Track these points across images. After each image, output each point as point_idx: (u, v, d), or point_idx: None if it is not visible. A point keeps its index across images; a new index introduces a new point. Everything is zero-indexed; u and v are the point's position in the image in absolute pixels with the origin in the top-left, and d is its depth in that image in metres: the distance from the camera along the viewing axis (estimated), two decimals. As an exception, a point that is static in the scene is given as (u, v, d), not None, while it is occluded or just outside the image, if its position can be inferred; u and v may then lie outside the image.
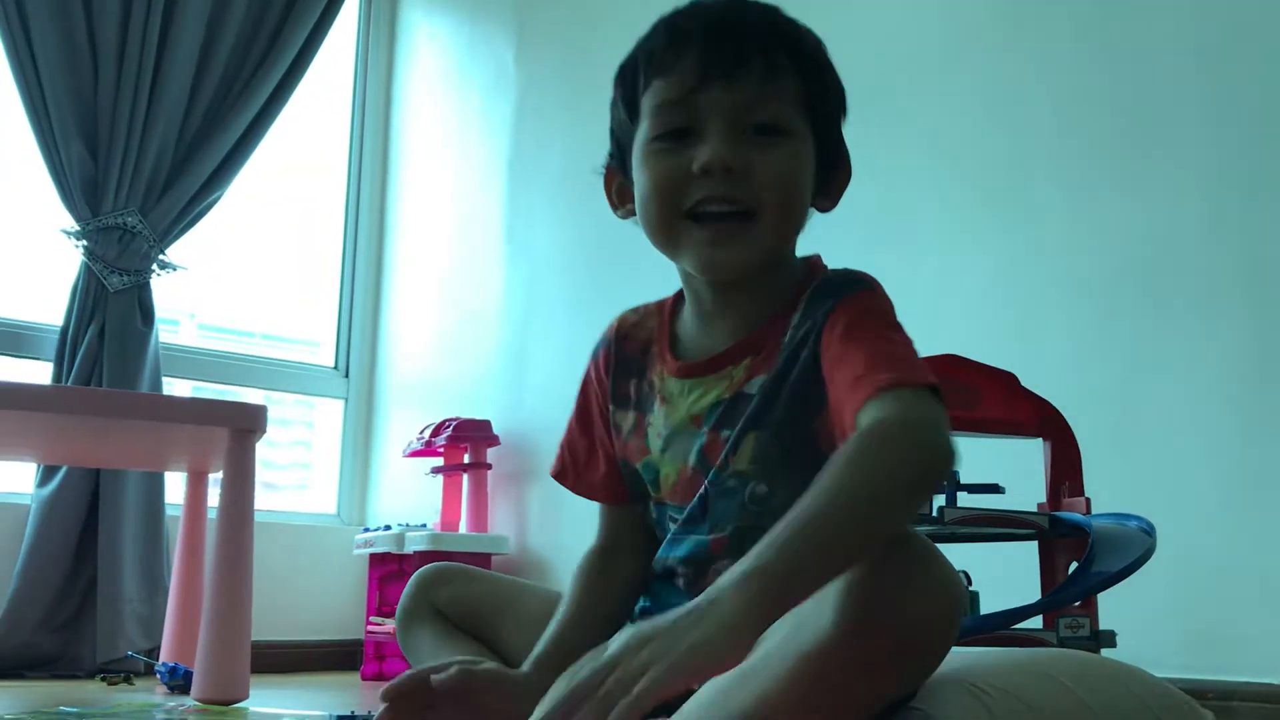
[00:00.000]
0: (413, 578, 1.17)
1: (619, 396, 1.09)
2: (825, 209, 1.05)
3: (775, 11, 1.01)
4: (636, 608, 1.06)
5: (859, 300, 0.96)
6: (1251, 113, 1.77)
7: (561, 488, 1.14)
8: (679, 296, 1.09)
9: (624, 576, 1.07)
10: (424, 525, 2.92)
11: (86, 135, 2.94)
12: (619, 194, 1.07)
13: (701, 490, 1.00)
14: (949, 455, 0.82)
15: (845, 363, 0.90)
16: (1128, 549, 1.35)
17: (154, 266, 3.00)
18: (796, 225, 1.00)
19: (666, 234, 0.99)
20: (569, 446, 1.13)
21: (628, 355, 1.09)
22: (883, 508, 0.77)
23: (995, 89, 2.09)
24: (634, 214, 1.03)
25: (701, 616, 0.70)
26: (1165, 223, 1.84)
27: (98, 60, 2.96)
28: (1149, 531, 1.37)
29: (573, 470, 1.13)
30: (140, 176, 2.98)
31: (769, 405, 0.97)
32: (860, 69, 2.23)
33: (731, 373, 1.00)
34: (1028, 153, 2.03)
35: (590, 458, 1.12)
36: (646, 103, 0.99)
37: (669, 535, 1.04)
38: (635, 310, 1.12)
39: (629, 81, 1.02)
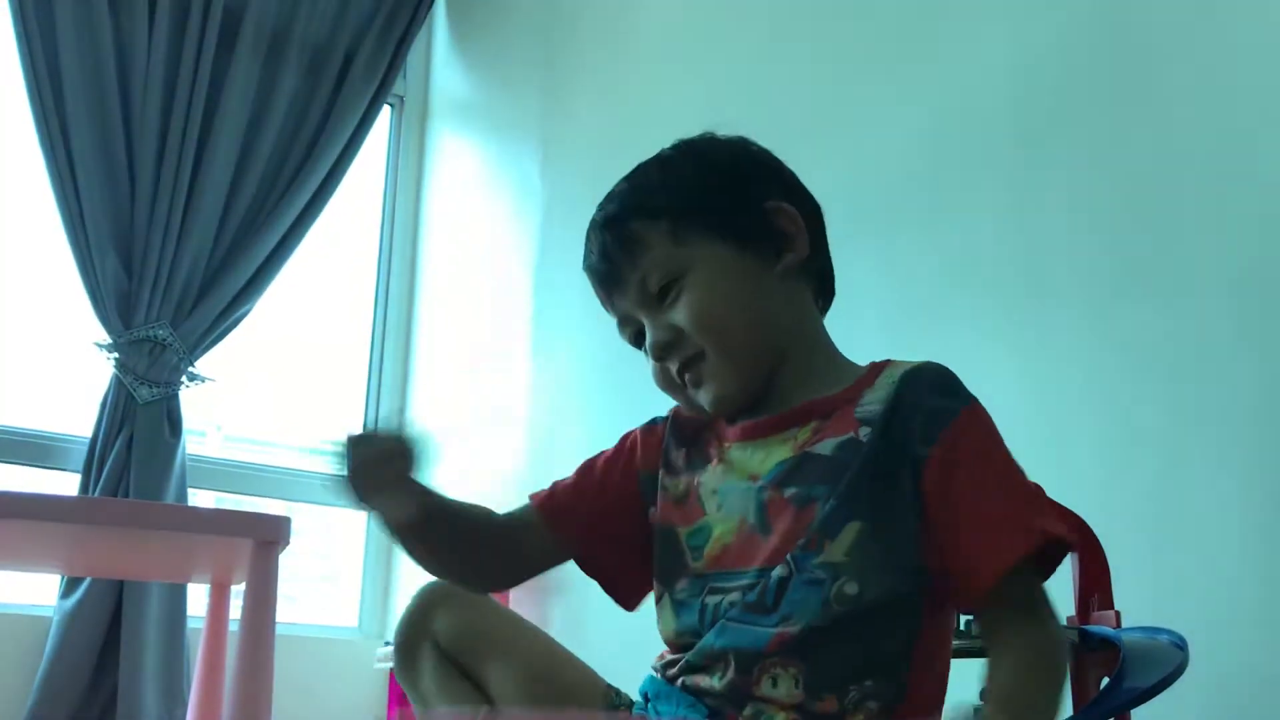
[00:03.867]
0: (414, 598, 1.11)
1: (671, 464, 1.08)
2: (798, 259, 1.04)
3: (617, 194, 1.11)
4: (640, 694, 1.01)
5: (979, 420, 0.97)
6: (1276, 221, 1.78)
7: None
8: None
9: (508, 536, 1.09)
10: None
11: (121, 250, 3.00)
12: None
13: (780, 574, 0.92)
14: None
15: (983, 500, 0.92)
16: (1160, 664, 1.32)
17: (183, 378, 3.04)
18: (750, 332, 1.02)
19: (682, 401, 1.07)
20: (562, 484, 1.15)
21: (683, 431, 1.10)
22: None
23: (1015, 202, 2.11)
24: None
25: None
26: (1189, 332, 1.84)
27: (135, 177, 3.04)
28: (1181, 646, 1.35)
29: (558, 502, 1.12)
30: (173, 290, 3.03)
31: (851, 478, 0.93)
32: (882, 182, 2.27)
33: (796, 434, 0.99)
34: (1048, 265, 2.04)
35: (578, 496, 1.12)
36: None
37: (720, 621, 0.95)
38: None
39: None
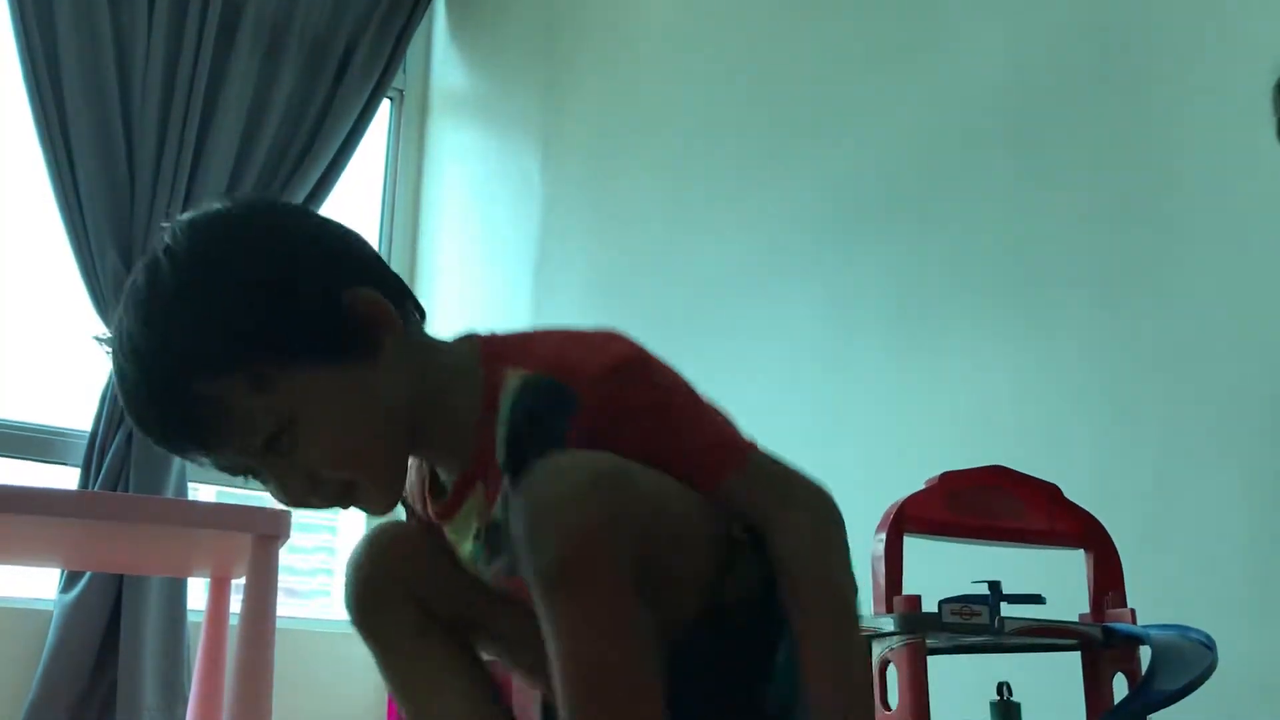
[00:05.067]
0: (370, 543, 1.02)
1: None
2: (388, 336, 0.92)
3: (158, 343, 0.86)
4: None
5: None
6: (1273, 217, 1.78)
7: None
8: None
9: None
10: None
11: (121, 244, 2.99)
12: None
13: None
14: None
15: None
16: (1188, 664, 1.32)
17: (183, 372, 3.03)
18: (378, 439, 0.92)
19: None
20: None
21: (422, 516, 1.05)
22: None
23: (1014, 198, 2.11)
24: None
25: None
26: (1187, 329, 1.84)
27: (134, 170, 3.04)
28: (1209, 645, 1.34)
29: None
30: (172, 284, 3.03)
31: None
32: (881, 179, 2.27)
33: (473, 504, 0.96)
34: (1046, 261, 2.04)
35: None
36: None
37: None
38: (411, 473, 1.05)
39: None
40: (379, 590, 1.01)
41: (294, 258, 0.90)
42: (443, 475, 1.00)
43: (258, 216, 0.94)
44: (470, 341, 0.99)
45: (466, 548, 0.98)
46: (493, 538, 0.95)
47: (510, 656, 1.04)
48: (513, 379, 0.91)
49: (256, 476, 0.92)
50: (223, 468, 0.92)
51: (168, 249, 0.89)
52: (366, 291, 0.91)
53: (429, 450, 0.99)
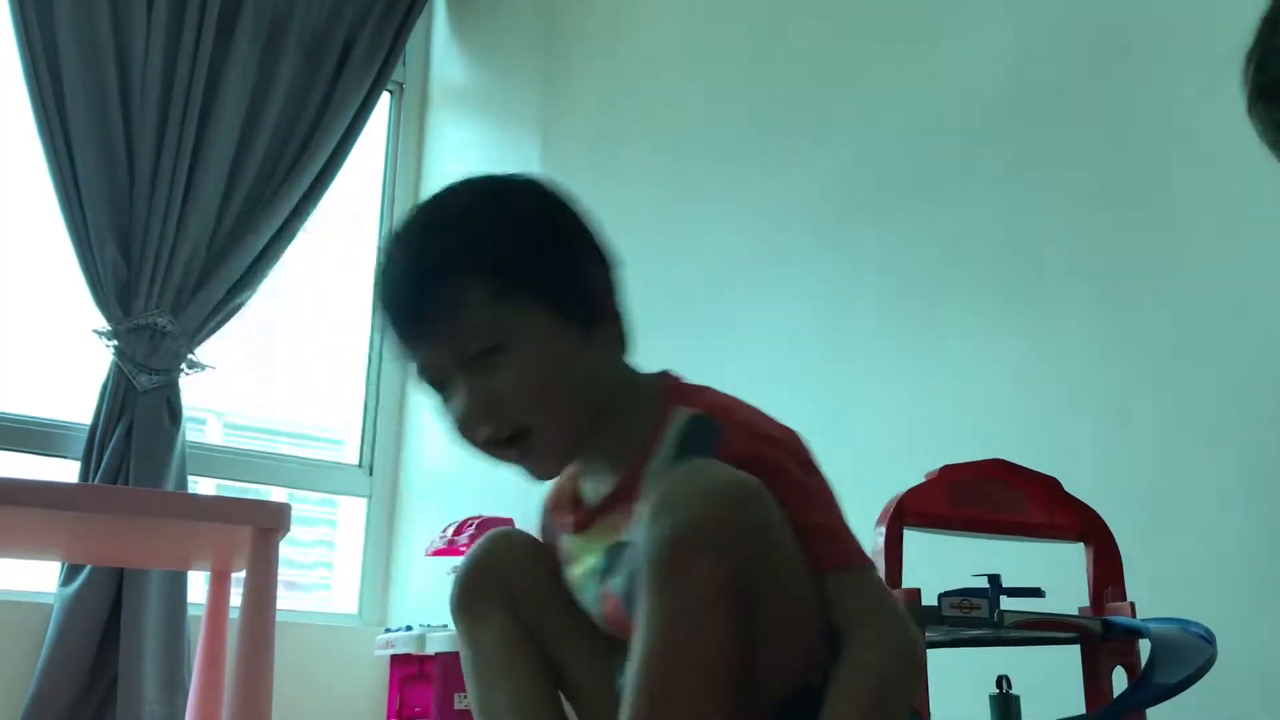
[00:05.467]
0: (487, 546, 1.06)
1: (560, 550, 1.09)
2: (611, 330, 1.02)
3: (429, 231, 1.00)
4: None
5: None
6: (1274, 209, 1.77)
7: None
8: None
9: None
10: (445, 626, 2.89)
11: (121, 238, 2.99)
12: None
13: None
14: None
15: None
16: (1188, 657, 1.32)
17: (183, 366, 3.03)
18: (577, 403, 0.99)
19: (488, 460, 1.01)
20: None
21: (551, 526, 1.10)
22: None
23: (1014, 188, 2.11)
24: None
25: None
26: (1189, 321, 1.84)
27: (134, 164, 3.03)
28: (1209, 639, 1.34)
29: None
30: (172, 278, 3.03)
31: None
32: (880, 169, 2.27)
33: (616, 520, 0.99)
34: (1047, 252, 2.04)
35: None
36: None
37: None
38: (558, 478, 1.10)
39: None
40: (482, 584, 1.05)
41: (567, 221, 1.03)
42: (588, 489, 1.04)
43: (540, 187, 1.07)
44: (660, 377, 1.04)
45: (588, 562, 1.01)
46: (616, 555, 0.98)
47: (571, 701, 1.05)
48: (682, 414, 0.98)
49: (445, 391, 0.99)
50: (429, 367, 0.99)
51: (457, 184, 1.03)
52: (606, 277, 1.03)
53: (595, 450, 1.02)
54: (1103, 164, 1.98)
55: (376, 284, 1.02)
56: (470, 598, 1.05)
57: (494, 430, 0.97)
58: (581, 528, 1.03)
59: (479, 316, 0.95)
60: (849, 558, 0.92)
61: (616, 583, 0.98)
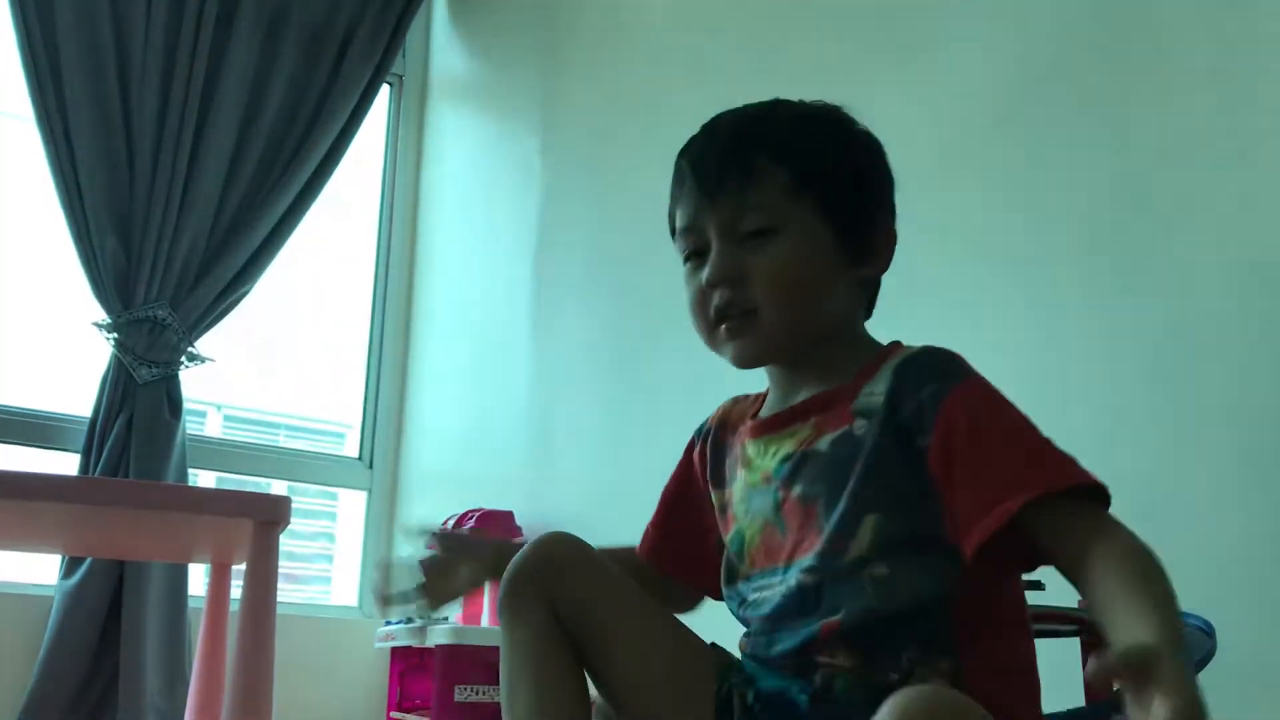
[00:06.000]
0: (536, 551, 1.06)
1: (716, 477, 1.13)
2: (873, 274, 1.09)
3: (762, 115, 1.08)
4: (749, 700, 1.01)
5: (970, 395, 0.97)
6: (1275, 194, 1.77)
7: None
8: None
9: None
10: (446, 618, 2.90)
11: (120, 230, 2.99)
12: None
13: (813, 582, 0.97)
14: None
15: (995, 458, 0.94)
16: (1187, 649, 1.32)
17: (183, 358, 3.04)
18: (809, 310, 1.04)
19: (707, 339, 1.07)
20: (651, 526, 1.19)
21: (721, 440, 1.14)
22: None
23: (1013, 177, 2.11)
24: None
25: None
26: (1188, 317, 1.83)
27: (133, 156, 3.03)
28: (1209, 632, 1.35)
29: (654, 546, 1.18)
30: (172, 270, 3.03)
31: (845, 472, 0.97)
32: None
33: (800, 430, 1.03)
34: (1050, 244, 2.04)
35: (666, 534, 1.17)
36: (674, 232, 1.10)
37: (766, 631, 1.01)
38: (737, 398, 1.18)
39: (670, 216, 1.12)
40: (524, 584, 1.05)
41: (882, 167, 1.11)
42: (773, 404, 1.09)
43: (869, 132, 1.14)
44: (891, 344, 1.08)
45: (765, 465, 1.04)
46: (800, 463, 1.01)
47: (612, 700, 1.05)
48: (908, 351, 1.04)
49: (695, 258, 1.06)
50: (696, 228, 1.05)
51: (811, 101, 1.11)
52: (892, 231, 1.08)
53: (800, 371, 1.07)
54: (1107, 152, 1.98)
55: (694, 138, 1.09)
56: (513, 597, 1.06)
57: (730, 300, 1.02)
58: (765, 431, 1.06)
59: (769, 197, 1.02)
60: (1077, 476, 0.95)
61: (799, 490, 1.00)
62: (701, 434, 1.17)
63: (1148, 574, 0.86)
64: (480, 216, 3.52)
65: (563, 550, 1.07)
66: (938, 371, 0.99)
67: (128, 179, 3.02)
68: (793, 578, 0.98)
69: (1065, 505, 0.91)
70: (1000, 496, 0.90)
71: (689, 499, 1.16)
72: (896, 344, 1.07)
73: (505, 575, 1.07)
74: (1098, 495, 0.94)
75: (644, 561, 1.17)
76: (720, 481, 1.12)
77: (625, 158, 2.96)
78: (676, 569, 1.15)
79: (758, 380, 1.16)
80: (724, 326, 1.04)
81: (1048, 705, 1.41)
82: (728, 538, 1.08)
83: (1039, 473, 0.92)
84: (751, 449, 1.07)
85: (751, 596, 1.03)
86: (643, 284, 2.72)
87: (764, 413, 1.10)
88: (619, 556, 1.12)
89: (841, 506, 0.96)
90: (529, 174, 3.32)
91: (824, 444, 1.00)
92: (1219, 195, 1.82)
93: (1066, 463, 0.94)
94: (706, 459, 1.15)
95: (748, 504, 1.06)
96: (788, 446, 1.03)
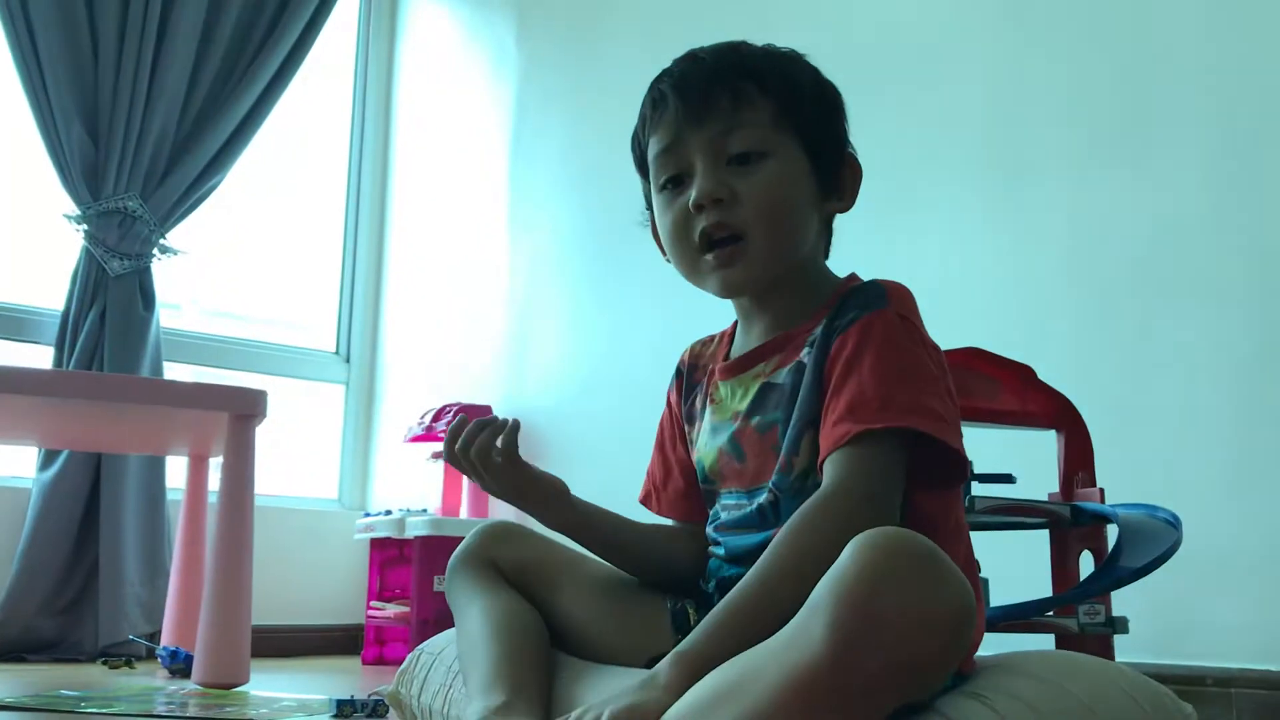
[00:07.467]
0: (476, 530, 1.16)
1: (689, 415, 1.16)
2: (841, 209, 1.11)
3: (740, 47, 1.09)
4: (709, 590, 1.08)
5: (869, 324, 0.98)
6: (1256, 105, 1.76)
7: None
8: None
9: (671, 556, 1.14)
10: (425, 510, 2.93)
11: (87, 119, 2.93)
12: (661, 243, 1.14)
13: (769, 500, 1.02)
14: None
15: (836, 396, 0.97)
16: (1154, 542, 1.35)
17: (155, 251, 3.00)
18: (793, 237, 1.05)
19: (688, 267, 1.08)
20: (650, 473, 1.21)
21: (694, 380, 1.17)
22: (811, 586, 0.78)
23: (999, 78, 2.09)
24: None
25: (644, 684, 0.86)
26: (1167, 213, 1.83)
27: (98, 43, 2.95)
28: (1175, 524, 1.37)
29: (653, 493, 1.20)
30: (141, 160, 2.98)
31: (797, 398, 1.01)
32: (864, 59, 2.23)
33: (763, 369, 1.07)
34: (1031, 143, 2.02)
35: (667, 478, 1.18)
36: (649, 158, 1.09)
37: (730, 536, 1.06)
38: (703, 339, 1.20)
39: (636, 144, 1.12)
40: (466, 566, 1.14)
41: (842, 107, 1.11)
42: (740, 345, 1.12)
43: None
44: (847, 277, 1.11)
45: (733, 405, 1.08)
46: (764, 395, 1.05)
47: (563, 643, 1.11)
48: (852, 285, 1.06)
49: (676, 185, 1.06)
50: (680, 150, 1.05)
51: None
52: (858, 166, 1.10)
53: (769, 305, 1.08)
54: (1088, 52, 1.96)
55: (673, 66, 1.09)
56: (457, 570, 1.14)
57: (718, 221, 1.03)
58: (733, 372, 1.09)
59: (756, 122, 1.03)
60: (896, 418, 0.95)
61: (757, 420, 1.04)
62: (676, 376, 1.20)
63: (770, 567, 0.89)
64: (455, 107, 3.46)
65: (502, 527, 1.16)
66: (862, 300, 1.01)
67: (93, 66, 2.95)
68: (756, 500, 1.03)
69: (865, 445, 0.93)
70: (840, 421, 0.94)
71: (676, 442, 1.18)
72: (852, 276, 1.10)
73: (449, 565, 1.16)
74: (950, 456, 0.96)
75: (648, 507, 1.20)
76: (692, 419, 1.15)
77: (601, 44, 2.90)
78: (674, 512, 1.18)
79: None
80: (710, 256, 1.04)
81: (1018, 595, 1.45)
82: (697, 464, 1.12)
83: (870, 411, 0.93)
84: (724, 389, 1.10)
85: (722, 517, 1.08)
86: (620, 174, 2.69)
87: (734, 353, 1.12)
88: (640, 529, 1.16)
89: (791, 430, 1.01)
90: (504, 63, 3.26)
91: (780, 376, 1.04)
92: (1202, 89, 1.81)
93: (911, 410, 0.94)
94: (679, 400, 1.18)
95: (710, 435, 1.10)
96: (753, 385, 1.07)
